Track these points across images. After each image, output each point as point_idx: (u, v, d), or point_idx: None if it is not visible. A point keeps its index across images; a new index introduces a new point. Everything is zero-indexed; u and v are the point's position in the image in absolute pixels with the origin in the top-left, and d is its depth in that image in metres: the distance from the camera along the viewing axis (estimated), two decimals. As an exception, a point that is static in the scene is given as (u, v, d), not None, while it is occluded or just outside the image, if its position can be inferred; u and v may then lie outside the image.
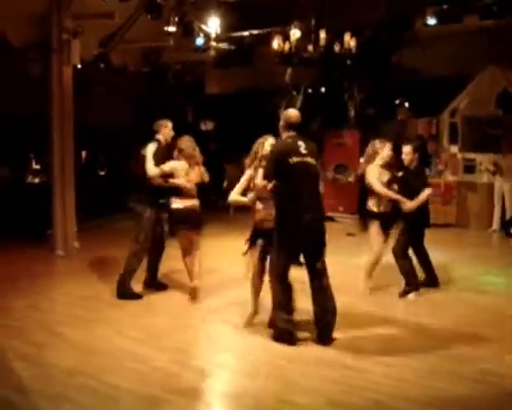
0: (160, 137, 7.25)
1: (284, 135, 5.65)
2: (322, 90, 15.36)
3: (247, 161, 5.88)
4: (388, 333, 5.88)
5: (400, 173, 7.37)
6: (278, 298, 5.57)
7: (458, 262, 9.30)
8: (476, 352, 5.33)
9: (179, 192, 6.85)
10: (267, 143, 5.78)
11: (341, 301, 6.83)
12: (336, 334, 5.61)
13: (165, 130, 7.31)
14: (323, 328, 5.59)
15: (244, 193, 5.87)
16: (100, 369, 4.89)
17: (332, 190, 13.42)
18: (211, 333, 5.86)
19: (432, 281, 7.64)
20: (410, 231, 7.35)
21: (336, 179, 13.87)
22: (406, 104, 16.02)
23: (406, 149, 7.41)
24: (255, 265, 5.83)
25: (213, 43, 12.59)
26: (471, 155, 13.31)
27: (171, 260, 7.79)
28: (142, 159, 7.00)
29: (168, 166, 6.86)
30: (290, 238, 5.47)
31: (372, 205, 7.19)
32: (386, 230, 7.24)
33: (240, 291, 7.26)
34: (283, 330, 5.53)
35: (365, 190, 7.33)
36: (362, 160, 7.66)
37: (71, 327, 5.98)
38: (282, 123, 5.67)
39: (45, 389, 4.51)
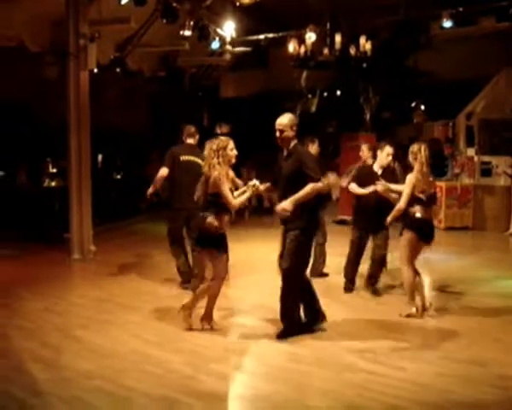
0: (193, 142, 7.35)
1: (295, 141, 5.69)
2: (338, 93, 15.36)
3: (220, 170, 5.60)
4: (405, 338, 5.82)
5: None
6: (296, 297, 5.70)
7: (475, 265, 9.23)
8: (494, 356, 5.25)
9: None
10: (229, 148, 5.77)
11: (359, 305, 6.87)
12: (354, 338, 5.66)
13: (197, 136, 7.39)
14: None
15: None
16: (116, 372, 4.89)
17: (348, 194, 13.32)
18: (225, 336, 5.84)
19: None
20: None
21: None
22: (422, 107, 15.97)
23: (390, 150, 7.21)
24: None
25: (229, 47, 12.62)
26: (488, 158, 13.21)
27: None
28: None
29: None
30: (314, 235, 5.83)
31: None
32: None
33: (254, 295, 7.27)
34: (296, 326, 5.74)
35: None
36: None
37: (87, 330, 6.00)
38: (294, 129, 5.66)
39: (61, 391, 4.51)
